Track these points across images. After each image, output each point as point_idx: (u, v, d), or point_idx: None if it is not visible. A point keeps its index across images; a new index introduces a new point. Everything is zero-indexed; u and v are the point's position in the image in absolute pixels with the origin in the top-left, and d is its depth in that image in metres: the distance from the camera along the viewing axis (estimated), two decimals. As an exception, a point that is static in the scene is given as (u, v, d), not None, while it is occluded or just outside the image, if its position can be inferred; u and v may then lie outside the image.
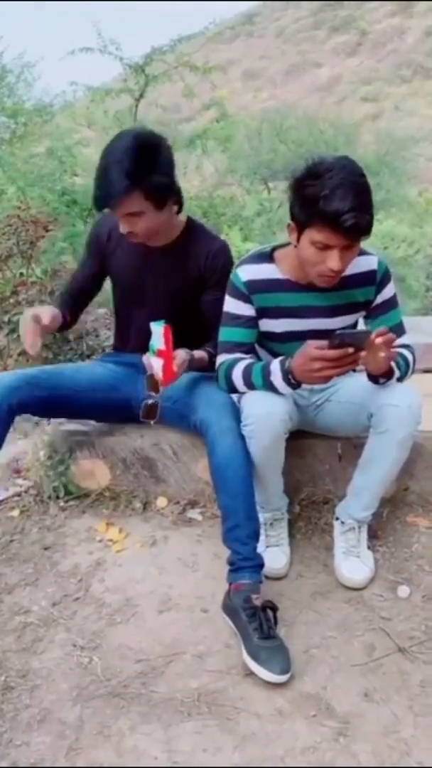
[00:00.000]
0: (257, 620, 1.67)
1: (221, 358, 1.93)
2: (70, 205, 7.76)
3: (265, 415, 1.81)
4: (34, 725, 1.52)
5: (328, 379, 1.68)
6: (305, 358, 1.66)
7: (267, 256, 1.92)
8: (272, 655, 1.62)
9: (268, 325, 1.95)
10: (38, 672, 1.66)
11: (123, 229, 1.98)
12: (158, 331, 1.86)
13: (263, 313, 1.92)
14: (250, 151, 15.75)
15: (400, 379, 1.86)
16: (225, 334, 1.94)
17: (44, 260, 3.44)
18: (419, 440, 2.15)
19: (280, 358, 1.80)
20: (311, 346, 1.65)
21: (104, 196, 1.91)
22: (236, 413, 1.91)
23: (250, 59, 43.65)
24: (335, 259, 1.70)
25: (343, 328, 1.82)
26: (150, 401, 2.02)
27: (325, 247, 1.69)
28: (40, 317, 1.97)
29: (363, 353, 1.65)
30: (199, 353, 2.06)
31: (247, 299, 1.90)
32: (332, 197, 1.62)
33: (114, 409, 2.26)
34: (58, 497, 2.36)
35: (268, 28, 45.63)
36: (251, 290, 1.89)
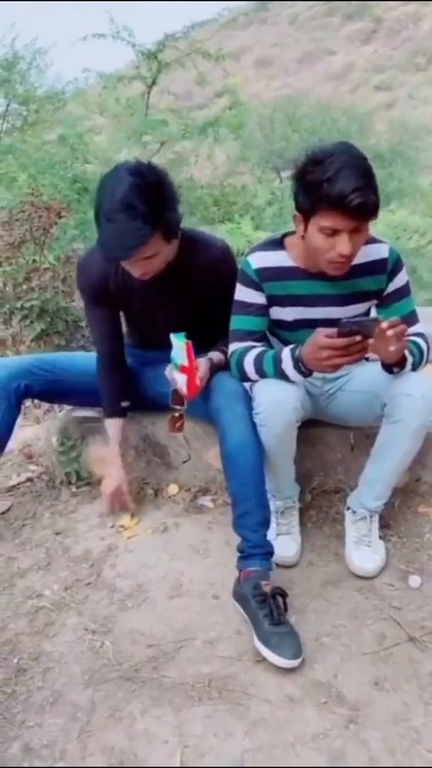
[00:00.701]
0: (267, 607, 1.68)
1: (233, 347, 1.93)
2: (81, 192, 7.74)
3: (277, 403, 1.81)
4: (46, 707, 1.54)
5: (337, 367, 1.67)
6: (314, 346, 1.66)
7: (278, 243, 1.91)
8: (283, 640, 1.63)
9: (278, 313, 1.94)
10: (51, 655, 1.68)
11: (137, 273, 1.88)
12: (180, 345, 1.86)
13: (274, 301, 1.91)
14: (263, 139, 15.66)
15: (414, 368, 1.85)
16: (236, 322, 1.94)
17: (56, 247, 3.44)
18: (430, 428, 2.14)
19: (291, 346, 1.79)
20: (320, 334, 1.64)
21: (121, 248, 1.77)
22: (248, 401, 1.90)
23: (263, 46, 43.26)
24: (345, 243, 1.67)
25: (353, 317, 1.80)
26: (176, 414, 2.01)
27: (334, 233, 1.67)
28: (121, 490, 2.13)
29: (371, 341, 1.63)
30: (217, 357, 2.03)
31: (258, 287, 1.89)
32: (336, 179, 1.60)
33: None
34: (70, 483, 2.38)
35: (281, 15, 45.17)
36: (262, 278, 1.88)
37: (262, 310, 1.92)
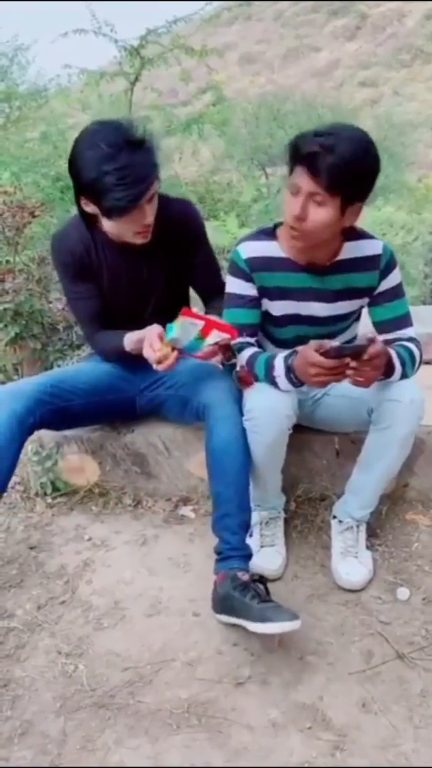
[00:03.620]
0: (251, 590, 1.62)
1: None
2: (64, 190, 7.63)
3: (270, 410, 1.75)
4: (14, 738, 1.44)
5: (323, 384, 1.67)
6: (303, 360, 1.63)
7: (269, 233, 1.84)
8: (278, 611, 1.57)
9: (266, 306, 1.88)
10: (20, 681, 1.59)
11: (142, 224, 1.81)
12: (182, 323, 1.70)
13: (263, 293, 1.85)
14: (248, 136, 15.54)
15: (405, 375, 1.76)
16: (229, 315, 1.86)
17: (32, 247, 3.33)
18: (420, 435, 2.07)
19: (284, 353, 1.73)
20: (310, 349, 1.61)
21: (136, 182, 1.70)
22: (239, 400, 1.84)
23: (248, 43, 43.17)
24: (297, 204, 1.62)
25: (346, 342, 1.75)
26: (240, 371, 1.82)
27: (297, 192, 1.62)
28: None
29: (371, 351, 1.58)
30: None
31: (248, 278, 1.83)
32: (314, 139, 1.57)
33: (117, 410, 2.18)
34: (45, 494, 2.28)
35: (266, 11, 45.07)
36: (252, 268, 1.82)
37: (254, 302, 1.86)
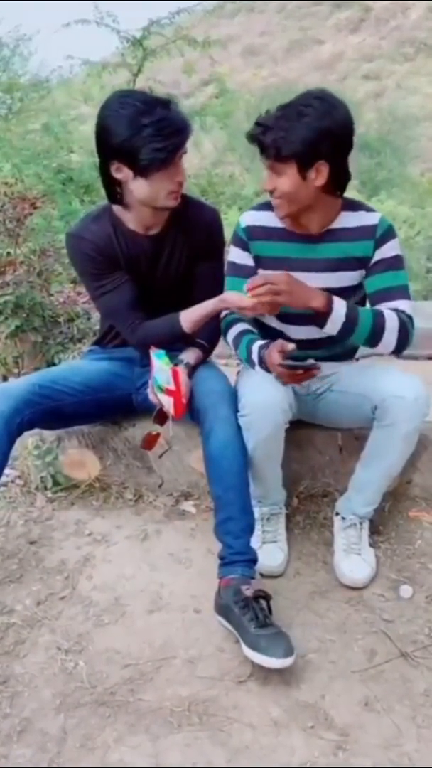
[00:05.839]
0: (251, 611, 1.59)
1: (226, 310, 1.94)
2: (66, 182, 7.59)
3: (264, 405, 1.73)
4: (13, 736, 1.43)
5: (287, 383, 1.75)
6: (269, 358, 1.73)
7: (268, 203, 1.88)
8: (273, 641, 1.54)
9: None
10: (20, 678, 1.57)
11: (181, 176, 1.83)
12: (164, 368, 1.82)
13: (259, 262, 1.90)
14: (251, 128, 15.50)
15: (373, 338, 1.77)
16: (229, 283, 1.93)
17: (33, 239, 3.31)
18: (424, 432, 2.03)
19: (261, 343, 1.80)
20: (275, 350, 1.70)
21: (177, 131, 1.74)
22: (234, 401, 1.82)
23: (251, 35, 42.92)
24: (267, 179, 1.78)
25: (297, 358, 1.74)
26: (154, 432, 1.97)
27: (265, 170, 1.78)
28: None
29: (316, 372, 1.71)
30: (195, 358, 1.98)
31: (245, 246, 1.90)
32: (257, 125, 1.75)
33: (113, 408, 2.17)
34: (45, 488, 2.26)
35: (269, 3, 44.76)
36: (249, 236, 1.89)
37: (252, 272, 1.89)
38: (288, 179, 1.73)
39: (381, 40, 40.24)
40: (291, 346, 1.71)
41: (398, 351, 1.79)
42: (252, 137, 1.75)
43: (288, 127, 1.68)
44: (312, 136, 1.67)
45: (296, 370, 1.70)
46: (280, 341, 1.73)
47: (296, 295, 1.70)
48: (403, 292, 1.83)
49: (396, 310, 1.78)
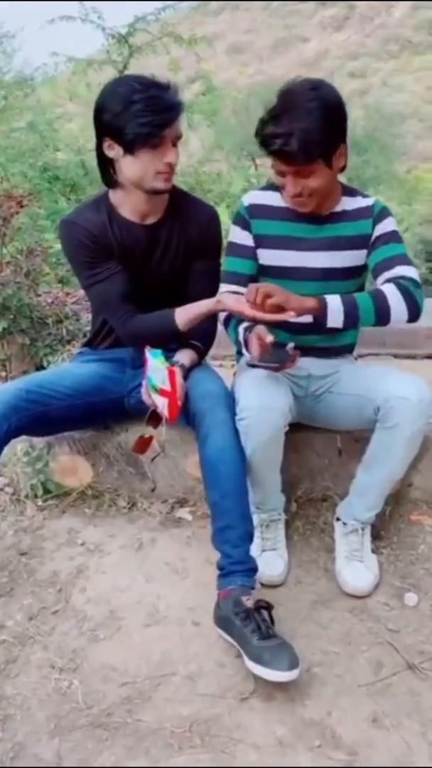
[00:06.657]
0: (253, 622, 1.53)
1: (222, 288, 1.90)
2: (52, 181, 7.49)
3: (263, 408, 1.67)
4: (6, 762, 1.35)
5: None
6: (250, 344, 1.73)
7: (274, 184, 1.88)
8: (277, 652, 1.48)
9: (263, 256, 1.90)
10: (12, 699, 1.49)
11: (171, 158, 1.77)
12: (159, 367, 1.76)
13: (260, 241, 1.89)
14: (237, 126, 15.41)
15: (381, 315, 1.74)
16: (227, 263, 1.94)
17: (19, 238, 3.22)
18: (426, 433, 1.99)
19: (246, 325, 1.82)
20: (254, 337, 1.69)
21: (169, 107, 1.72)
22: (231, 405, 1.76)
23: (236, 33, 42.88)
24: (289, 184, 1.74)
25: (271, 356, 1.70)
26: (147, 435, 1.91)
27: (282, 174, 1.73)
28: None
29: (290, 365, 1.70)
30: (190, 359, 1.93)
31: (246, 225, 1.89)
32: (267, 123, 1.68)
33: (104, 413, 2.09)
34: (36, 496, 2.19)
35: (254, 1, 44.74)
36: (251, 214, 1.89)
37: (250, 253, 1.90)
38: (318, 176, 1.72)
39: (366, 38, 40.34)
40: (270, 338, 1.67)
41: (413, 317, 1.75)
42: (277, 151, 1.67)
43: (306, 128, 1.63)
44: (329, 125, 1.67)
45: (269, 367, 1.68)
46: (259, 329, 1.71)
47: (291, 296, 1.66)
48: (402, 260, 1.82)
49: (394, 279, 1.76)
